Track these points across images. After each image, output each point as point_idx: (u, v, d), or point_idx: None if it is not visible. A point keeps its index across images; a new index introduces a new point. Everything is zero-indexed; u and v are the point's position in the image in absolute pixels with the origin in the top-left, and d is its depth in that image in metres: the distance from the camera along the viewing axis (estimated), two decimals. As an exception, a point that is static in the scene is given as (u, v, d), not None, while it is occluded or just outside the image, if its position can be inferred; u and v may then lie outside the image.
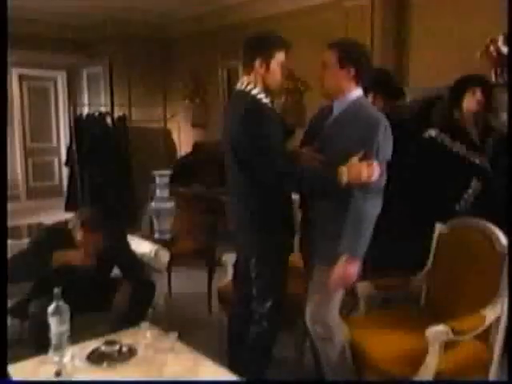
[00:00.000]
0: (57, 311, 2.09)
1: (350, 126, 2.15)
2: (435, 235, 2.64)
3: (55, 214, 6.34)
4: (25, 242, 3.11)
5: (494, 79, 3.45)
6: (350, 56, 2.18)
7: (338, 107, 2.24)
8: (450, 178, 2.88)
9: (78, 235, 2.63)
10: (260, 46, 2.22)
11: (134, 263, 2.90)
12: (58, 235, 2.70)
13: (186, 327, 2.38)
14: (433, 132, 2.96)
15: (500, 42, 3.42)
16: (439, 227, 2.62)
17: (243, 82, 2.26)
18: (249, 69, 2.24)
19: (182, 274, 4.11)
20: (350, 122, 2.16)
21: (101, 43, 6.83)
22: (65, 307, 2.11)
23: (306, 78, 5.08)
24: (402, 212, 2.88)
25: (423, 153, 2.97)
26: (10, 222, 5.61)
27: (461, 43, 3.70)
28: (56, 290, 2.10)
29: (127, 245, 2.95)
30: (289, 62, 2.30)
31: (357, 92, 2.22)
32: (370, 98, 3.06)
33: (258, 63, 2.20)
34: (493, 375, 2.18)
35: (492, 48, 3.47)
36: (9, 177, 7.45)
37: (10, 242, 2.97)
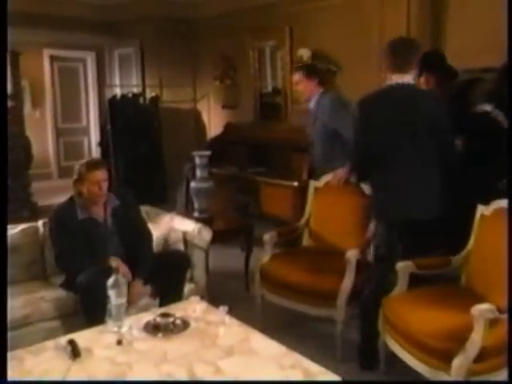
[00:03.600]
0: (115, 284, 2.21)
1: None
2: (477, 216, 2.68)
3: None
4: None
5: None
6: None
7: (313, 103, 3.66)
8: (497, 154, 2.88)
9: (88, 183, 2.77)
10: (418, 52, 2.78)
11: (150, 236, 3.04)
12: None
13: (226, 303, 2.46)
14: (488, 107, 2.95)
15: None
16: (481, 208, 2.66)
17: (404, 78, 2.70)
18: (408, 68, 2.71)
19: (216, 252, 4.21)
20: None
21: (132, 24, 6.87)
22: (122, 281, 2.23)
23: (339, 60, 5.07)
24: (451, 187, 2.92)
25: (475, 127, 2.97)
26: (44, 200, 5.79)
27: (498, 25, 3.64)
28: (114, 264, 2.22)
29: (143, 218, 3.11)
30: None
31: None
32: (422, 79, 3.10)
33: (414, 65, 2.71)
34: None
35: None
36: (41, 156, 7.66)
37: (43, 220, 3.14)
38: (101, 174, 2.78)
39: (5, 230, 2.36)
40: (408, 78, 2.69)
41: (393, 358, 2.50)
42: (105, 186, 2.80)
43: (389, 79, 2.73)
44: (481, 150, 2.89)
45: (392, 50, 2.75)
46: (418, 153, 2.65)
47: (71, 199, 2.86)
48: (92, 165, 2.83)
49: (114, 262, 2.61)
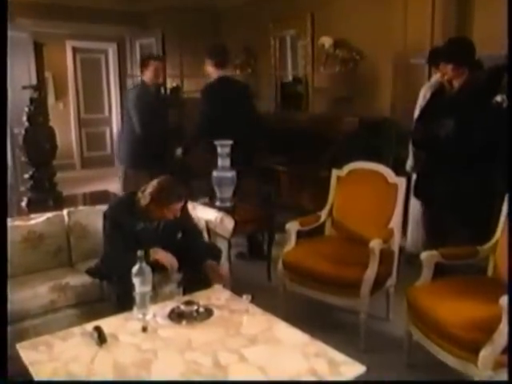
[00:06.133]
0: (140, 272, 2.22)
1: None
2: (504, 206, 2.62)
3: (110, 183, 6.60)
4: (80, 209, 3.28)
5: None
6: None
7: None
8: None
9: (165, 208, 2.61)
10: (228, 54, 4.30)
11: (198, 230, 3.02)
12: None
13: (248, 292, 2.46)
14: (499, 97, 2.95)
15: None
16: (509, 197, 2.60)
17: (224, 72, 4.10)
18: (225, 65, 4.13)
19: (238, 242, 4.22)
20: None
21: (153, 14, 6.89)
22: (147, 269, 2.24)
23: (362, 47, 5.01)
24: (470, 180, 2.89)
25: (489, 121, 2.94)
26: (68, 190, 5.92)
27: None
28: (139, 253, 2.23)
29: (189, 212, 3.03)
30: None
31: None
32: (443, 69, 3.05)
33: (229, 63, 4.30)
34: None
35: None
36: (64, 147, 7.73)
37: (68, 209, 3.16)
38: (180, 205, 2.67)
39: (5, 228, 2.38)
40: (226, 72, 4.09)
41: (416, 347, 2.48)
42: (178, 214, 2.69)
43: (214, 73, 4.04)
44: (496, 142, 2.86)
45: (211, 53, 4.04)
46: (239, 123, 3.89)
47: (132, 203, 2.68)
48: (178, 196, 2.64)
49: (155, 254, 2.59)
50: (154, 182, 2.64)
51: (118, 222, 2.68)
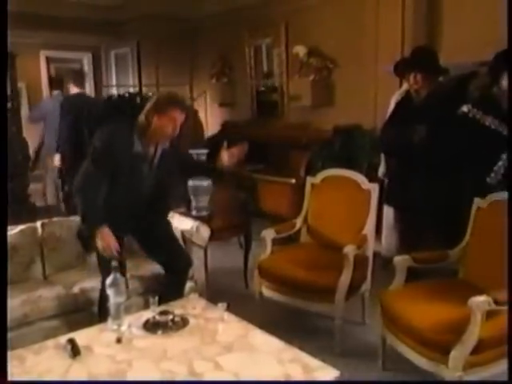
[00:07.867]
0: (114, 283, 2.22)
1: None
2: (473, 209, 2.69)
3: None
4: (54, 220, 3.24)
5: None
6: None
7: None
8: (481, 151, 2.94)
9: (165, 118, 2.48)
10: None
11: None
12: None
13: (225, 300, 2.47)
14: (465, 108, 3.02)
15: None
16: (477, 201, 2.67)
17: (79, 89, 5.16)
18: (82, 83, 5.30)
19: (215, 250, 4.21)
20: None
21: (128, 24, 6.88)
22: (121, 279, 2.24)
23: (335, 56, 5.09)
24: (437, 186, 2.97)
25: (456, 129, 3.02)
26: (41, 201, 5.79)
27: (494, 17, 3.64)
28: (114, 264, 2.22)
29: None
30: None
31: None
32: (411, 79, 3.13)
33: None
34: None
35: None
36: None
37: (41, 221, 3.13)
38: (182, 116, 2.53)
39: (5, 231, 2.35)
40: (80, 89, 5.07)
41: (391, 351, 2.52)
42: (178, 129, 2.54)
43: (72, 90, 5.03)
44: (462, 148, 2.94)
45: (73, 76, 5.15)
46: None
47: (129, 126, 2.56)
48: (180, 102, 2.53)
49: (100, 233, 2.45)
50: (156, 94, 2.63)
51: (112, 143, 2.49)
